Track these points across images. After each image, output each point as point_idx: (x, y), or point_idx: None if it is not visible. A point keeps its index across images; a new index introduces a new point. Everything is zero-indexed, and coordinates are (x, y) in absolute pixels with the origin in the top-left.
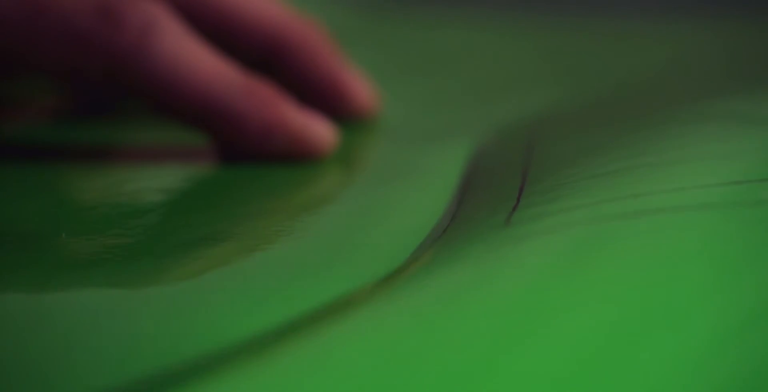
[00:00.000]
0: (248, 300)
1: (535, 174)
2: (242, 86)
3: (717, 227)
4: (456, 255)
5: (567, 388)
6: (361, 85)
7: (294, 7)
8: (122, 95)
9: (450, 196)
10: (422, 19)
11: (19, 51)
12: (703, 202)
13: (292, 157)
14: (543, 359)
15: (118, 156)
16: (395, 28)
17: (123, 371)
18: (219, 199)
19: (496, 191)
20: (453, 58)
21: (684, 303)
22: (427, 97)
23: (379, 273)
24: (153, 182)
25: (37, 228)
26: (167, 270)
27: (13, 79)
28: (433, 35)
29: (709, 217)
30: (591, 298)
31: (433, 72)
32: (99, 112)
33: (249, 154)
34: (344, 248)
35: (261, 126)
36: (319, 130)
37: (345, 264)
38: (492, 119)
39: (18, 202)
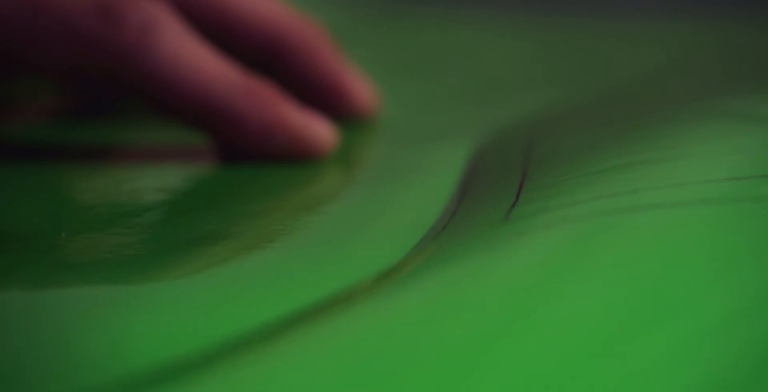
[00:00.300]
0: (247, 298)
1: (535, 171)
2: (242, 86)
3: (718, 220)
4: (455, 250)
5: (568, 375)
6: (361, 84)
7: (294, 7)
8: (122, 95)
9: (450, 195)
10: (422, 19)
11: (19, 50)
12: (703, 198)
13: (292, 157)
14: (543, 347)
15: (118, 156)
16: (395, 28)
17: (122, 368)
18: (219, 199)
19: (496, 188)
20: (453, 57)
21: (687, 291)
22: (428, 97)
23: (378, 270)
24: (153, 182)
25: (37, 228)
26: (167, 268)
27: (13, 79)
28: (433, 35)
29: (709, 212)
30: (591, 287)
31: (433, 72)
32: (99, 112)
33: (249, 154)
34: (343, 246)
35: (261, 126)
36: (319, 130)
37: (344, 262)
38: (492, 119)
39: (18, 202)
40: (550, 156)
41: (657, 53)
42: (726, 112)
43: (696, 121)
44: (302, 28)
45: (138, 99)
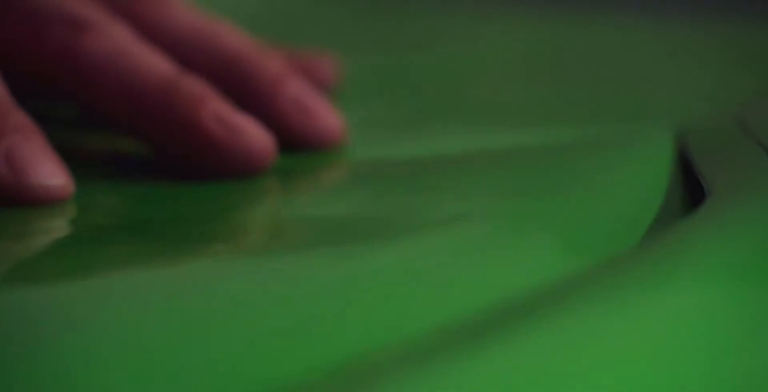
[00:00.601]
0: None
1: None
2: (167, 82)
3: None
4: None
5: None
6: (329, 111)
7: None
8: (55, 98)
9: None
10: (421, 14)
11: None
12: None
13: (226, 161)
14: None
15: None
16: (394, 22)
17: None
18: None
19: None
20: (450, 47)
21: None
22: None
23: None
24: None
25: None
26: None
27: None
28: (432, 28)
29: None
30: None
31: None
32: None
33: (180, 164)
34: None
35: (182, 125)
36: (253, 131)
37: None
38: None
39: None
40: None
41: (655, 49)
42: None
43: None
44: (265, 63)
45: (68, 100)
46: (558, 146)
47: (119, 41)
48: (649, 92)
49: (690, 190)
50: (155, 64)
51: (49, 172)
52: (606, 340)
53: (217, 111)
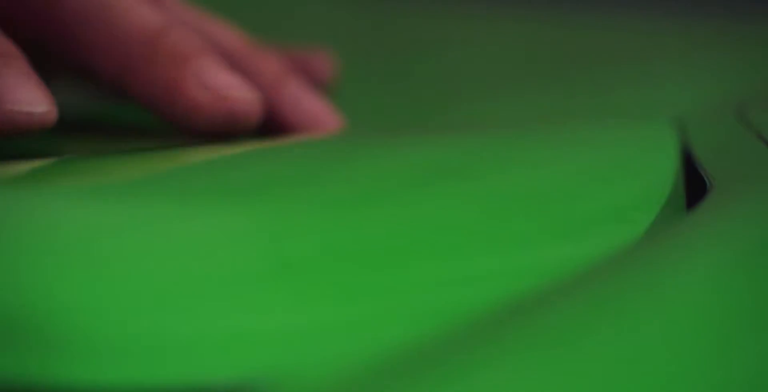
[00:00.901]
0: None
1: None
2: (151, 36)
3: None
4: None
5: None
6: (327, 112)
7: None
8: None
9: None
10: (421, 14)
11: None
12: None
13: (209, 123)
14: None
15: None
16: (394, 22)
17: None
18: None
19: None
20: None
21: None
22: None
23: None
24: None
25: None
26: None
27: None
28: (430, 27)
29: None
30: None
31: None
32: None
33: (169, 120)
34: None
35: (166, 85)
36: (237, 93)
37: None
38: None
39: None
40: None
41: (654, 47)
42: None
43: None
44: (266, 62)
45: (64, 68)
46: (558, 142)
47: None
48: (649, 89)
49: (692, 184)
50: (141, 15)
51: (32, 99)
52: (608, 339)
53: (201, 72)
